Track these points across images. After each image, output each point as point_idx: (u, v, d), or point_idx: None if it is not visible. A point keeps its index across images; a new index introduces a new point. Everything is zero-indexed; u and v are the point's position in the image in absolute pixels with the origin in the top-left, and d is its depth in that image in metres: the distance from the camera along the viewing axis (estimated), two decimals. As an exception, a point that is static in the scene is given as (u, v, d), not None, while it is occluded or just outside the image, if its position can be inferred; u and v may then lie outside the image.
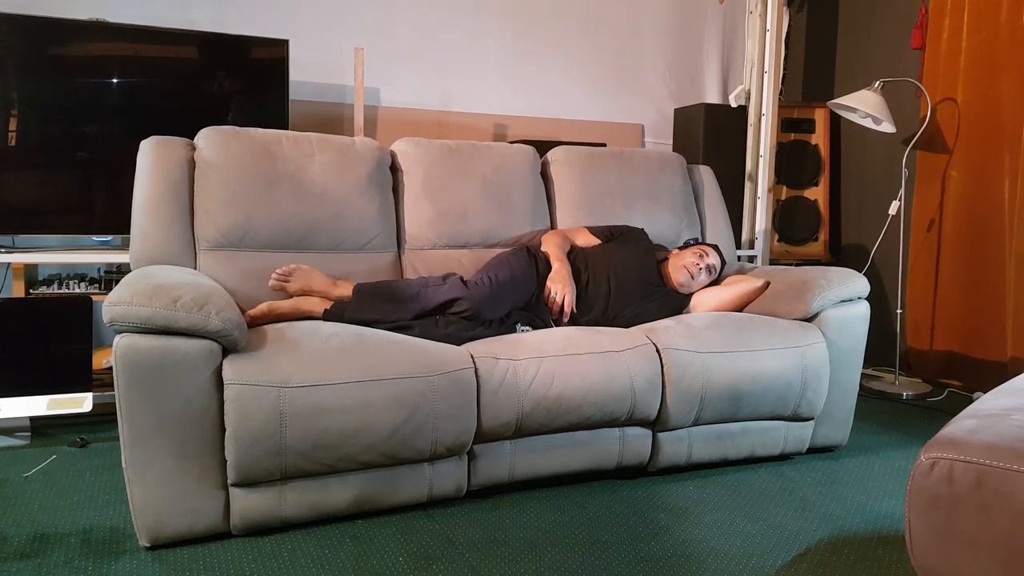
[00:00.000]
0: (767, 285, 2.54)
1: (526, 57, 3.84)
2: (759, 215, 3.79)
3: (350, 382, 1.81)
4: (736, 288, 2.55)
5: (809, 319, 2.41)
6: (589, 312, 2.41)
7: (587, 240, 2.64)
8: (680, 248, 2.70)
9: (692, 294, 2.57)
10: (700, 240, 2.88)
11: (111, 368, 1.67)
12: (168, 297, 1.67)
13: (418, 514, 1.98)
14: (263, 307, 2.16)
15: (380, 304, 2.19)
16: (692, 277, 2.55)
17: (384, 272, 2.46)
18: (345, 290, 2.25)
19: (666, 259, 2.65)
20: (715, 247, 2.66)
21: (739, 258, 3.55)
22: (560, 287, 2.37)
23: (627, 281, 2.47)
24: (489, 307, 2.25)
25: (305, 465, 1.79)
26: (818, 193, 4.03)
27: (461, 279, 2.30)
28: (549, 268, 2.44)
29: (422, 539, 1.84)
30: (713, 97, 4.28)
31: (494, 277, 2.30)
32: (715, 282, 2.64)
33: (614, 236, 2.64)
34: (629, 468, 2.25)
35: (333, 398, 1.79)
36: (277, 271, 2.23)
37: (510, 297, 2.32)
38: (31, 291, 2.69)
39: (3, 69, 2.65)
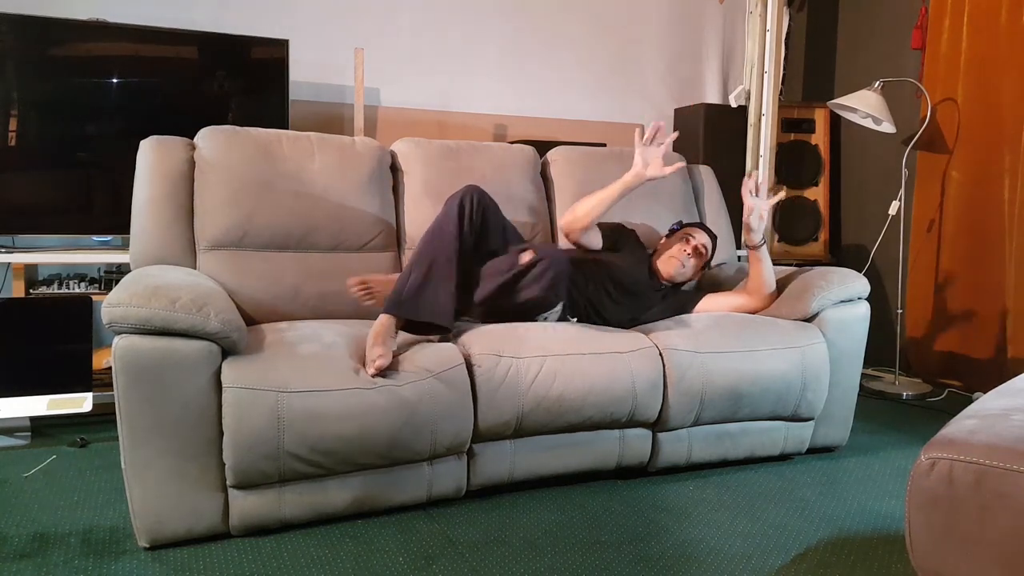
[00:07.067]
0: (776, 295, 2.51)
1: (526, 57, 3.84)
2: (759, 215, 3.78)
3: (348, 388, 1.81)
4: (743, 298, 2.51)
5: (809, 319, 2.41)
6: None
7: (594, 235, 2.52)
8: (666, 237, 2.64)
9: (696, 296, 2.54)
10: (683, 223, 2.71)
11: (111, 368, 1.67)
12: (167, 298, 1.67)
13: (418, 514, 1.98)
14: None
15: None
16: (682, 265, 2.50)
17: (384, 273, 2.46)
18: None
19: (654, 253, 2.61)
20: (700, 224, 2.60)
21: (739, 258, 3.54)
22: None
23: (627, 292, 2.43)
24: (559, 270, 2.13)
25: (303, 468, 1.79)
26: (818, 193, 4.03)
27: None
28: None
29: (422, 539, 1.84)
30: (713, 97, 4.27)
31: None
32: (718, 284, 2.60)
33: (616, 245, 2.56)
34: (629, 468, 2.25)
35: (331, 404, 1.78)
36: (355, 287, 2.23)
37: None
38: (31, 291, 2.69)
39: (3, 69, 2.65)
